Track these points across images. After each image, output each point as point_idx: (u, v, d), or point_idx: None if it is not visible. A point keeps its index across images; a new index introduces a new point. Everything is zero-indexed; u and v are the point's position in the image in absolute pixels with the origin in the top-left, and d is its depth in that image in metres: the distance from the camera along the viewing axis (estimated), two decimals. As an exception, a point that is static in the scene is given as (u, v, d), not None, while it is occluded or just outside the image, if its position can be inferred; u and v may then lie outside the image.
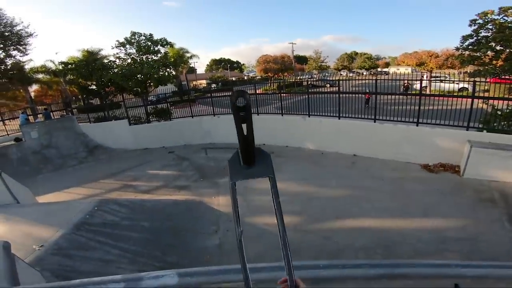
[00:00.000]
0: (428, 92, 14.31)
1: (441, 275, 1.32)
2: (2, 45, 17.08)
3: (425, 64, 24.01)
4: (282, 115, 11.01)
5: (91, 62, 18.88)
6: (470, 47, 10.37)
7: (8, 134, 13.39)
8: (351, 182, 7.29)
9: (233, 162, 0.59)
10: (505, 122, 7.22)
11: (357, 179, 7.44)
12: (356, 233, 5.05)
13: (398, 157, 8.30)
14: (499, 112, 7.27)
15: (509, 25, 9.21)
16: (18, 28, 17.51)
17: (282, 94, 11.65)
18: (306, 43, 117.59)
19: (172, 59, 19.98)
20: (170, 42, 19.96)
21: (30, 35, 18.18)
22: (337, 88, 9.81)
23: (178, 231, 5.23)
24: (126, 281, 1.34)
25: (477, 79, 8.00)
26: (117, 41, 18.63)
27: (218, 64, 67.86)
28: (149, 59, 18.80)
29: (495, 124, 7.29)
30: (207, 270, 1.33)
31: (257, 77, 43.23)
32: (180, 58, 21.29)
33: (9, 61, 18.18)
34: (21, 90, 21.09)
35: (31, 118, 14.13)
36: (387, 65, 55.52)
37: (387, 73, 28.30)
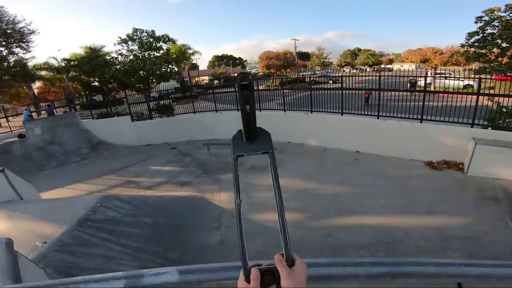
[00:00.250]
0: (432, 89, 14.19)
1: (444, 274, 1.30)
2: (4, 43, 17.13)
3: (430, 61, 23.80)
4: (285, 111, 10.97)
5: (93, 58, 18.87)
6: (475, 44, 10.31)
7: (11, 131, 13.50)
8: (354, 179, 7.27)
9: (236, 139, 0.65)
10: (510, 120, 7.14)
11: (360, 176, 7.42)
12: (358, 230, 5.04)
13: (401, 154, 8.25)
14: (504, 109, 7.19)
15: None
16: (20, 25, 17.55)
17: (284, 90, 11.60)
18: (308, 40, 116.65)
19: (174, 56, 19.88)
20: (172, 39, 19.87)
21: (33, 32, 18.22)
22: (340, 84, 9.75)
23: (180, 227, 5.25)
24: (127, 278, 1.33)
25: (483, 76, 7.93)
26: (119, 37, 18.59)
27: (220, 60, 67.69)
28: (151, 56, 18.76)
29: (500, 121, 7.20)
30: (208, 267, 1.32)
31: (260, 74, 43.05)
32: (182, 55, 21.16)
33: (12, 58, 18.25)
34: (25, 87, 21.21)
35: (34, 114, 14.20)
36: (390, 61, 55.05)
37: (390, 70, 28.05)
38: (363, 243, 4.70)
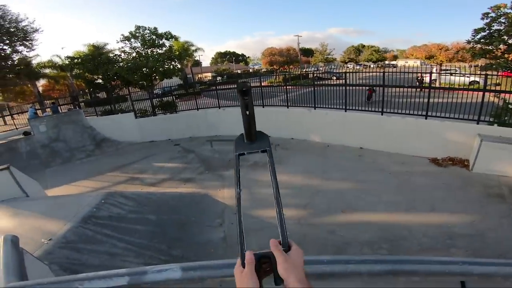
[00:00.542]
0: (437, 85, 14.04)
1: (447, 272, 1.29)
2: (8, 41, 17.24)
3: (435, 57, 23.56)
4: (288, 108, 10.93)
5: (97, 56, 18.96)
6: (482, 40, 10.27)
7: (17, 128, 13.63)
8: (357, 175, 7.24)
9: (238, 140, 0.73)
10: (516, 116, 7.05)
11: (364, 172, 7.38)
12: (361, 227, 5.02)
13: (405, 150, 8.19)
14: (510, 106, 7.10)
15: None
16: (23, 24, 17.65)
17: (287, 87, 11.55)
18: (311, 36, 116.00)
19: (177, 53, 19.92)
20: (174, 36, 19.87)
21: (36, 30, 18.33)
22: (343, 80, 9.68)
23: (184, 224, 5.28)
24: (130, 275, 1.34)
25: (489, 72, 7.86)
26: (122, 35, 18.66)
27: (223, 57, 67.52)
28: (154, 53, 18.80)
29: (506, 118, 7.12)
30: (211, 264, 1.33)
31: (263, 70, 42.90)
32: (185, 51, 21.21)
33: (16, 57, 18.39)
34: (29, 85, 21.37)
35: (39, 112, 14.31)
36: (395, 58, 54.45)
37: (395, 66, 27.76)
38: (366, 240, 4.69)
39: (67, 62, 19.92)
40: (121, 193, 5.75)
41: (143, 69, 17.95)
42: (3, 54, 17.36)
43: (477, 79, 10.60)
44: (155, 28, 18.82)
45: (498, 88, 7.58)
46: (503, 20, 9.51)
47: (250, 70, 52.48)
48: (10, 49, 17.74)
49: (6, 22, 16.81)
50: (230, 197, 6.53)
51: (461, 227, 4.76)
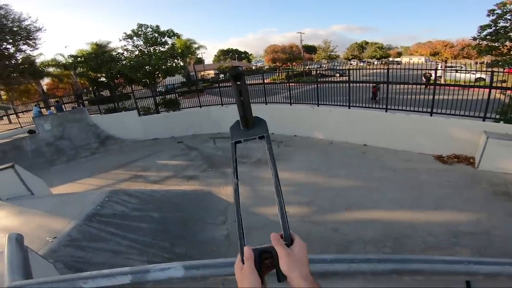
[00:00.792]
0: (443, 82, 13.91)
1: (452, 271, 1.28)
2: (11, 40, 17.35)
3: (440, 54, 23.33)
4: (291, 105, 10.89)
5: (100, 54, 18.99)
6: (488, 37, 10.21)
7: (21, 127, 13.74)
8: (361, 173, 7.20)
9: (234, 128, 0.71)
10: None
11: (367, 170, 7.34)
12: (365, 225, 5.00)
13: (410, 148, 8.13)
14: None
15: None
16: (26, 23, 17.73)
17: (290, 84, 11.50)
18: (315, 33, 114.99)
19: (180, 50, 19.86)
20: (177, 34, 19.82)
21: (39, 29, 18.40)
22: (347, 77, 9.61)
23: (187, 221, 5.30)
24: (133, 274, 1.35)
25: (495, 69, 7.78)
26: (124, 33, 18.63)
27: (225, 54, 67.37)
28: (157, 51, 18.79)
29: (512, 114, 7.02)
30: (213, 263, 1.33)
31: (265, 67, 42.76)
32: (188, 49, 21.13)
33: (19, 56, 18.50)
34: (33, 84, 21.52)
35: (43, 110, 14.42)
36: (399, 54, 53.93)
37: (399, 63, 27.51)
38: (370, 238, 4.66)
39: (70, 61, 20.00)
40: (124, 190, 5.78)
41: (146, 67, 17.97)
42: (6, 53, 17.47)
43: (483, 76, 10.51)
44: (157, 26, 18.79)
45: (504, 85, 7.48)
46: (509, 17, 9.46)
47: (253, 68, 52.35)
48: (13, 48, 17.85)
49: (9, 21, 16.90)
50: (233, 194, 6.51)
51: (466, 225, 4.71)
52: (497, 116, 7.13)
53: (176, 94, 14.69)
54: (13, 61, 18.08)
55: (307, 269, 0.52)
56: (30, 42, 18.37)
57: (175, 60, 19.75)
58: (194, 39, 24.40)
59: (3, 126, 15.11)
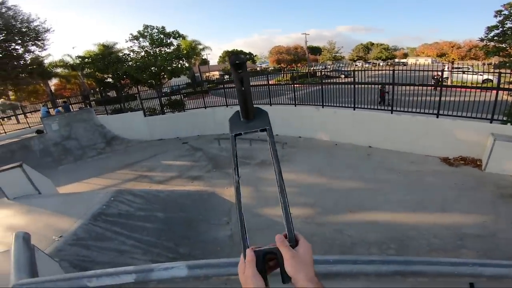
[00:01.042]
0: (449, 83, 13.76)
1: (456, 273, 1.27)
2: (20, 41, 17.62)
3: (447, 55, 23.08)
4: (295, 106, 10.88)
5: (106, 55, 19.23)
6: (495, 38, 10.09)
7: (30, 127, 13.97)
8: (366, 174, 7.16)
9: (233, 119, 0.66)
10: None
11: (372, 171, 7.29)
12: (369, 227, 4.97)
13: (416, 150, 8.05)
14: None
15: None
16: (35, 24, 18.00)
17: (295, 85, 11.49)
18: (320, 34, 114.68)
19: (185, 51, 20.00)
20: (182, 35, 19.95)
21: (47, 30, 18.68)
22: (352, 79, 9.57)
23: (191, 221, 5.33)
24: (137, 273, 1.37)
25: (502, 70, 7.68)
26: (131, 34, 18.82)
27: (230, 55, 67.48)
28: (162, 52, 18.94)
29: (520, 116, 6.91)
30: (216, 263, 1.34)
31: (270, 68, 42.76)
32: (193, 50, 21.28)
33: (28, 56, 18.79)
34: (42, 84, 21.84)
35: (51, 111, 14.65)
36: (405, 56, 53.49)
37: (405, 64, 27.27)
38: (373, 239, 4.63)
39: (78, 62, 20.28)
40: (130, 190, 5.84)
41: (152, 68, 18.12)
42: (15, 54, 17.76)
43: (490, 77, 10.38)
44: (163, 27, 18.95)
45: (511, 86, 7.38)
46: None
47: (258, 69, 52.39)
48: (22, 49, 18.13)
49: (18, 22, 17.17)
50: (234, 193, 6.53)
51: (472, 228, 4.65)
52: (505, 118, 7.02)
53: (181, 95, 14.79)
54: (21, 62, 18.37)
55: (312, 270, 0.52)
56: (39, 43, 18.65)
57: (181, 61, 19.87)
58: (199, 40, 24.55)
59: (12, 126, 15.39)
